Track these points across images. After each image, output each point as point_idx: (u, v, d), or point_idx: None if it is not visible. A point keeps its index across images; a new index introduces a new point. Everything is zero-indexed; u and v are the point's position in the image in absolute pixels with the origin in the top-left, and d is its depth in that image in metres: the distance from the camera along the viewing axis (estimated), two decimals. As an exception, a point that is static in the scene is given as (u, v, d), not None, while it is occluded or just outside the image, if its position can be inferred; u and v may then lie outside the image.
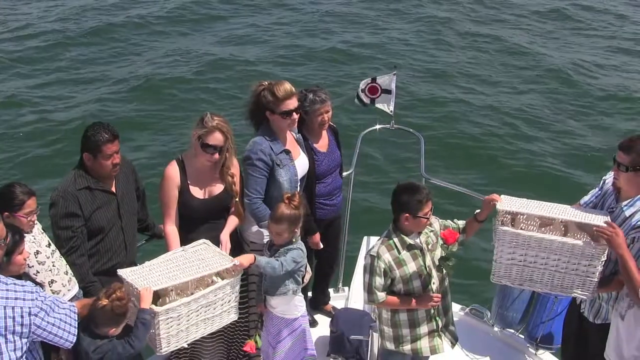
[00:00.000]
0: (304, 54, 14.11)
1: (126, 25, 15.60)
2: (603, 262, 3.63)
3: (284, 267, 3.96)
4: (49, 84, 12.76)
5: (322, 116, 4.77)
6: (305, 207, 4.09)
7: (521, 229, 3.86)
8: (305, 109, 4.67)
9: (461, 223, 4.13)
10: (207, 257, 3.85)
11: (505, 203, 3.81)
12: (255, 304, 4.49)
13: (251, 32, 15.41)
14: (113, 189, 4.31)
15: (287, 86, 4.34)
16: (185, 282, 3.73)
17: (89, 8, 16.80)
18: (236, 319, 3.94)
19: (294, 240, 4.05)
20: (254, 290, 4.56)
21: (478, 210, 4.01)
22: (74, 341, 3.29)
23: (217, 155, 4.21)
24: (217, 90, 12.50)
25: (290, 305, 4.22)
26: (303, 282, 4.26)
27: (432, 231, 4.01)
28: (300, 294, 4.29)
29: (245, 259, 3.87)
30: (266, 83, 4.42)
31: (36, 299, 3.13)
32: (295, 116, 4.40)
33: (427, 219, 3.88)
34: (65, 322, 3.25)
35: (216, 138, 4.17)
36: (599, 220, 3.66)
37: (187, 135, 4.43)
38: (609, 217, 3.72)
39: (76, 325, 3.31)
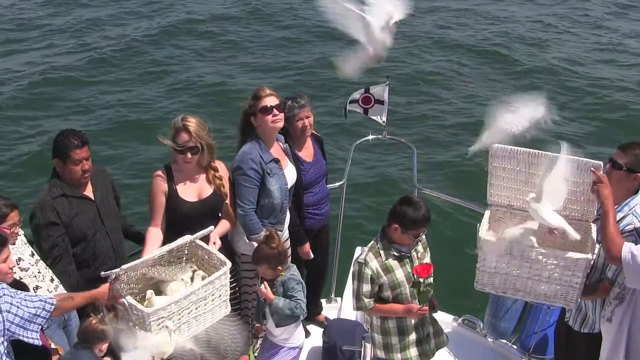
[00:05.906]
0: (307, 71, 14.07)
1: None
2: (586, 273, 3.68)
3: (299, 307, 4.11)
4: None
5: (303, 121, 4.79)
6: (283, 246, 4.23)
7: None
8: (286, 116, 4.67)
9: None
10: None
11: (497, 153, 3.97)
12: (251, 316, 4.52)
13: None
14: (91, 196, 4.32)
15: (266, 88, 4.43)
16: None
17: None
18: (228, 312, 3.96)
19: (283, 273, 4.14)
20: (247, 298, 4.55)
21: None
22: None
23: (189, 155, 4.23)
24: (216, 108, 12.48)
25: (290, 333, 4.29)
26: None
27: (420, 241, 4.02)
28: (301, 324, 4.36)
29: (266, 293, 4.05)
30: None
31: (3, 295, 3.12)
32: (277, 112, 4.37)
33: (414, 240, 3.91)
34: (40, 316, 3.24)
35: (182, 137, 4.22)
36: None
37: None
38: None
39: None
